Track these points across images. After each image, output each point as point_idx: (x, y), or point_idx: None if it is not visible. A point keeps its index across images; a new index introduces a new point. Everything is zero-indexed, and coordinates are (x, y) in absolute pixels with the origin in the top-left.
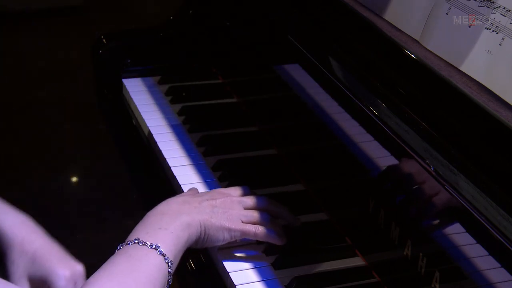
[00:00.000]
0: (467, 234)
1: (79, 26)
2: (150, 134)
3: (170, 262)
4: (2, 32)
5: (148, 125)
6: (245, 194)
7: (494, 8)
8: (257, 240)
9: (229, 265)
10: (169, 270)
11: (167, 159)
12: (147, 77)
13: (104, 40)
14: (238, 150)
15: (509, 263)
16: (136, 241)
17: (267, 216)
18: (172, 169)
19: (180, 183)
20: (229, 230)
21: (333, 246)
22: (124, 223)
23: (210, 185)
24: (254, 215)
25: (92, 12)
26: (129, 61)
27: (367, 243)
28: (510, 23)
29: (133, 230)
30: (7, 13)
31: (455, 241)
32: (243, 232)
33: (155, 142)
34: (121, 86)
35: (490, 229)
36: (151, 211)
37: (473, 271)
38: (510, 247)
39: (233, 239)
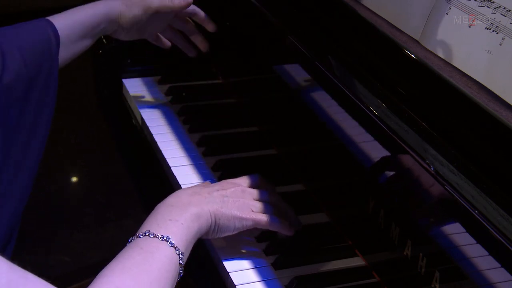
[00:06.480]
0: (467, 234)
1: None
2: (150, 134)
3: (181, 253)
4: None
5: (148, 125)
6: (254, 183)
7: (494, 8)
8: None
9: (229, 265)
10: (180, 261)
11: (167, 159)
12: (147, 77)
13: (104, 40)
14: (238, 150)
15: (509, 263)
16: (147, 234)
17: (276, 208)
18: (172, 169)
19: (180, 183)
20: (241, 219)
21: (333, 246)
22: (124, 223)
23: None
24: (265, 206)
25: None
26: (129, 61)
27: (367, 243)
28: (510, 23)
29: (144, 223)
30: (7, 13)
31: (455, 241)
32: (255, 221)
33: (155, 142)
34: (121, 86)
35: (490, 229)
36: (161, 203)
37: (473, 271)
38: (510, 247)
39: (245, 228)
